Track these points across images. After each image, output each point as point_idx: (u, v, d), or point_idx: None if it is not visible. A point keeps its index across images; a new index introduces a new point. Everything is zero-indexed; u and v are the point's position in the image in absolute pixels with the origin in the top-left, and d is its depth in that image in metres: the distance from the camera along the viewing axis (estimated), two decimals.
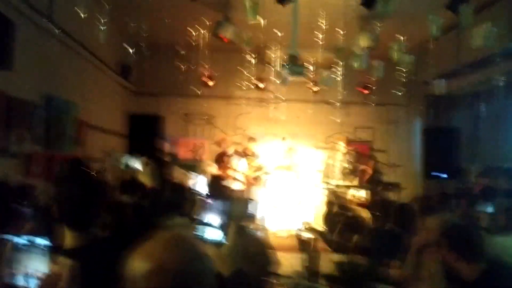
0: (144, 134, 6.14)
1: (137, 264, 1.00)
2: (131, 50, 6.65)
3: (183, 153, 9.17)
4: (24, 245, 0.98)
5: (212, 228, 1.31)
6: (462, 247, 2.60)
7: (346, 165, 7.87)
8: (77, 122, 5.92)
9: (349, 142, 8.14)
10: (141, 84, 8.79)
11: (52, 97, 5.20)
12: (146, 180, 2.49)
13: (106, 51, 6.71)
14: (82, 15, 4.62)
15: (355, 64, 5.36)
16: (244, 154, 8.10)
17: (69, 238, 1.86)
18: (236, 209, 3.11)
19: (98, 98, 6.96)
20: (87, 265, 1.12)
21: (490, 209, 3.67)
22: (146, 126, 6.29)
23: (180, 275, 0.99)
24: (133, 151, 6.16)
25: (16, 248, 0.96)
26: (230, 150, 8.05)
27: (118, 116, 7.81)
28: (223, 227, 1.31)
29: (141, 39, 6.73)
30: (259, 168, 8.07)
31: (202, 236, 1.33)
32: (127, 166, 2.45)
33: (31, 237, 0.98)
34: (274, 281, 2.99)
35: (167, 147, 8.42)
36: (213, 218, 1.24)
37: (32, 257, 0.97)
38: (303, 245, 4.57)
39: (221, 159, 7.94)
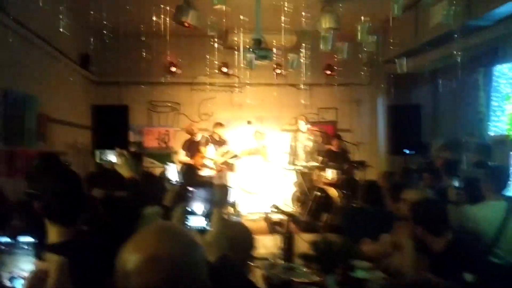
0: (109, 125, 6.00)
1: (130, 255, 0.99)
2: (91, 40, 6.46)
3: (149, 142, 9.05)
4: (6, 244, 0.95)
5: (195, 216, 1.33)
6: (428, 221, 2.73)
7: (309, 145, 7.99)
8: (38, 115, 5.73)
9: (310, 122, 8.22)
10: (103, 73, 8.56)
11: (9, 91, 4.99)
12: (123, 171, 2.45)
13: (65, 41, 6.48)
14: (41, 4, 4.43)
15: (322, 46, 5.40)
16: (212, 140, 8.08)
17: (53, 234, 1.83)
18: (216, 196, 3.12)
19: (59, 90, 6.74)
20: (73, 259, 1.11)
21: (455, 183, 3.83)
22: (111, 116, 6.15)
23: (174, 264, 0.99)
24: (99, 143, 6.05)
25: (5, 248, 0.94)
26: (199, 137, 8.01)
27: (81, 107, 7.60)
28: (206, 215, 1.32)
29: (101, 28, 6.55)
30: (228, 154, 8.08)
31: (187, 224, 1.34)
32: (101, 159, 2.40)
33: (14, 236, 0.95)
34: (251, 263, 3.04)
35: (132, 136, 8.29)
36: (196, 206, 1.25)
37: (16, 256, 0.94)
38: (273, 228, 4.64)
39: (190, 146, 7.89)
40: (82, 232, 1.92)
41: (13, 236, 0.97)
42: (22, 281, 0.93)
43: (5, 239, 0.97)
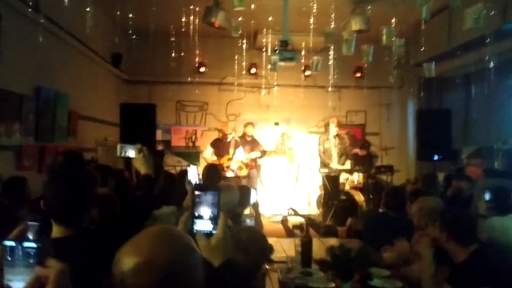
0: (137, 123, 6.10)
1: (126, 258, 1.01)
2: (122, 39, 6.59)
3: (177, 141, 9.16)
4: (13, 248, 0.96)
5: (202, 220, 1.34)
6: (455, 229, 2.64)
7: (339, 148, 7.87)
8: (69, 112, 5.89)
9: (341, 125, 8.11)
10: (133, 72, 8.73)
11: (42, 88, 5.16)
12: (140, 167, 2.47)
13: (96, 40, 6.64)
14: (66, 3, 4.53)
15: (344, 50, 5.33)
16: (243, 140, 8.04)
17: (55, 230, 1.88)
18: (232, 198, 3.12)
19: (90, 88, 6.91)
20: (65, 256, 1.12)
21: (486, 196, 3.67)
22: (139, 115, 6.25)
23: (169, 269, 1.00)
24: (126, 140, 6.15)
25: (8, 252, 0.94)
26: (229, 138, 7.95)
27: (111, 105, 7.77)
28: (212, 218, 1.33)
29: (132, 27, 6.67)
30: (257, 153, 8.04)
31: (193, 228, 1.34)
32: (121, 152, 2.43)
33: (20, 240, 0.96)
34: (267, 267, 3.03)
35: (161, 135, 8.41)
36: (204, 209, 1.26)
37: (19, 262, 0.95)
38: (290, 231, 4.62)
39: (218, 146, 7.87)
40: (84, 230, 1.95)
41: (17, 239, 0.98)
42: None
43: (11, 242, 0.97)
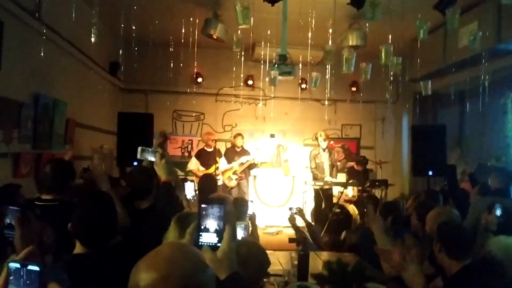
0: (134, 132, 6.10)
1: (143, 273, 1.03)
2: (120, 48, 6.62)
3: (173, 150, 9.16)
4: (17, 269, 0.97)
5: (208, 232, 1.35)
6: (448, 242, 2.66)
7: (329, 162, 7.91)
8: (67, 120, 5.88)
9: (328, 138, 8.12)
10: (130, 81, 8.76)
11: (40, 96, 5.16)
12: (160, 172, 2.46)
13: (95, 49, 6.66)
14: (66, 12, 4.56)
15: (344, 69, 5.39)
16: (233, 151, 8.08)
17: (78, 247, 1.89)
18: (231, 209, 3.13)
19: (87, 96, 6.92)
20: (91, 270, 1.13)
21: (497, 211, 3.65)
22: (136, 124, 6.25)
23: (184, 285, 1.02)
24: (123, 149, 6.15)
25: (12, 274, 0.95)
26: (212, 147, 7.92)
27: (108, 113, 7.77)
28: (218, 231, 1.35)
29: (130, 36, 6.71)
30: (247, 163, 8.04)
31: (199, 241, 1.36)
32: (142, 156, 2.42)
33: (25, 262, 0.97)
34: (264, 279, 3.03)
35: (155, 144, 8.39)
36: (210, 222, 1.28)
37: (22, 283, 0.97)
38: (297, 230, 4.64)
39: (202, 156, 7.87)
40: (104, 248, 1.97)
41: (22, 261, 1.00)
42: None
43: (16, 263, 0.99)
